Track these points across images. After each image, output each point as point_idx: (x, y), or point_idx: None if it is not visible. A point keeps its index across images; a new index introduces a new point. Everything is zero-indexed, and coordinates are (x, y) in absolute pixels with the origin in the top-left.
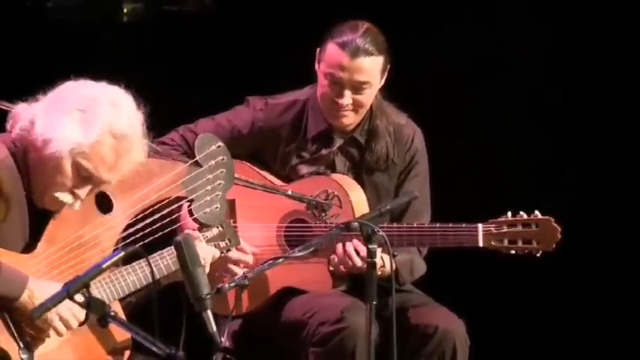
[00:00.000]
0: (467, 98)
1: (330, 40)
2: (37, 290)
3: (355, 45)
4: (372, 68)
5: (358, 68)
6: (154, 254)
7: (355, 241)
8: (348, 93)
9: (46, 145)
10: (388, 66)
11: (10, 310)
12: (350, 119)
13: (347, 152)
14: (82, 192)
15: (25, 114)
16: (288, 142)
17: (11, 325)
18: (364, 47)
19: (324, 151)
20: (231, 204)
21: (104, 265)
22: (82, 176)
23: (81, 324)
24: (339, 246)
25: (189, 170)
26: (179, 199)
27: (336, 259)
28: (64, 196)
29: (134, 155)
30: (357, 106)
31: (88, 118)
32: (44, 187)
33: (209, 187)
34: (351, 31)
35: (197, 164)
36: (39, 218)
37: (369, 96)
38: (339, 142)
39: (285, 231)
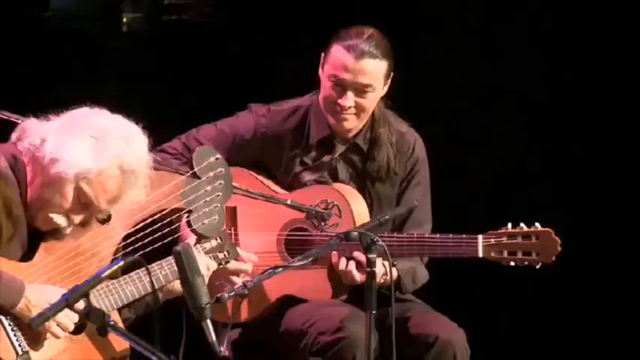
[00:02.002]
0: (467, 108)
1: (336, 43)
2: (34, 297)
3: (360, 47)
4: (375, 71)
5: (362, 70)
6: (153, 264)
7: (356, 252)
8: (350, 95)
9: (52, 164)
10: (392, 73)
11: (8, 316)
12: (351, 123)
13: (349, 159)
14: (77, 218)
15: (36, 130)
16: (292, 148)
17: (9, 333)
18: (369, 50)
19: (325, 158)
20: (233, 211)
21: (103, 275)
22: (82, 202)
23: (77, 332)
24: (341, 262)
25: (187, 182)
26: (178, 210)
27: (342, 266)
28: (59, 219)
29: (135, 192)
30: (359, 109)
31: (100, 147)
32: (40, 206)
33: (207, 199)
34: (356, 35)
35: (195, 176)
36: (37, 228)
37: (372, 100)
38: (340, 148)
39: (286, 239)
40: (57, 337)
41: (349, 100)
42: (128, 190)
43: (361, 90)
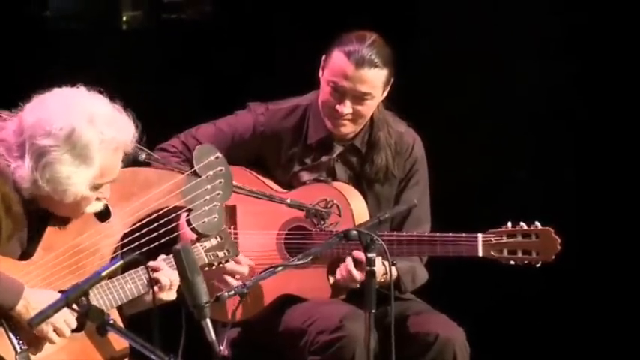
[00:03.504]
0: (465, 106)
1: (337, 48)
2: (34, 299)
3: (361, 55)
4: (375, 80)
5: (361, 79)
6: (152, 262)
7: (355, 252)
8: (348, 102)
9: (64, 195)
10: (392, 79)
11: (7, 317)
12: (348, 129)
13: (347, 160)
14: (107, 192)
15: (21, 177)
16: (290, 147)
17: (8, 331)
18: (370, 58)
19: (324, 158)
20: (232, 210)
21: (103, 273)
22: (103, 188)
23: (77, 329)
24: (341, 268)
25: (187, 180)
26: (178, 208)
27: (338, 276)
28: (96, 207)
29: (129, 139)
30: (356, 116)
31: (81, 153)
32: (70, 214)
33: (207, 198)
34: (358, 41)
35: (195, 174)
36: (36, 224)
37: (370, 107)
38: (339, 149)
39: (285, 238)
40: (52, 342)
41: (347, 107)
42: (124, 146)
43: (360, 97)
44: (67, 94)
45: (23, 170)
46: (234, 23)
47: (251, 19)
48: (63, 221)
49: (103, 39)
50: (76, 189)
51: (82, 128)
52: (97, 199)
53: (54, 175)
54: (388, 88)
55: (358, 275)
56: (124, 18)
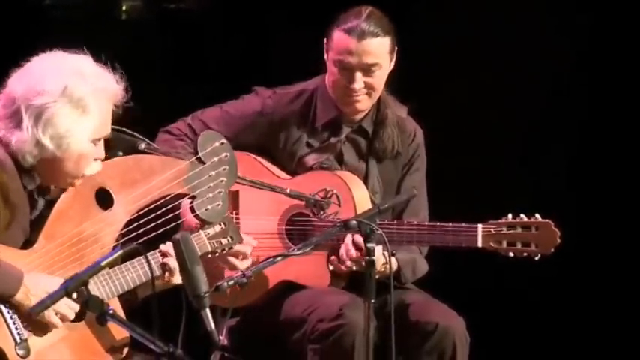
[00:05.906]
0: (466, 98)
1: (336, 27)
2: (33, 286)
3: (361, 28)
4: (379, 49)
5: (366, 50)
6: (154, 251)
7: (356, 236)
8: (359, 76)
9: (68, 150)
10: (396, 48)
11: (7, 306)
12: (364, 104)
13: (354, 141)
14: (102, 151)
15: (22, 143)
16: (297, 131)
17: (8, 321)
18: (369, 29)
19: (332, 140)
20: (235, 195)
21: (103, 263)
22: (99, 145)
23: (77, 319)
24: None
25: (191, 167)
26: (181, 196)
27: (336, 260)
28: (94, 168)
29: (119, 90)
30: (369, 88)
31: (78, 103)
32: (70, 178)
33: (211, 184)
34: (355, 16)
35: (200, 161)
36: (39, 211)
37: (380, 78)
38: (346, 130)
39: (287, 224)
40: (55, 326)
41: (358, 82)
42: (114, 96)
43: (368, 70)
44: (50, 57)
45: (22, 134)
46: (234, 12)
47: (250, 9)
48: (63, 211)
49: (102, 29)
50: (78, 141)
51: (74, 82)
52: (94, 159)
53: (56, 130)
54: (395, 57)
55: (355, 253)
56: (124, 8)
